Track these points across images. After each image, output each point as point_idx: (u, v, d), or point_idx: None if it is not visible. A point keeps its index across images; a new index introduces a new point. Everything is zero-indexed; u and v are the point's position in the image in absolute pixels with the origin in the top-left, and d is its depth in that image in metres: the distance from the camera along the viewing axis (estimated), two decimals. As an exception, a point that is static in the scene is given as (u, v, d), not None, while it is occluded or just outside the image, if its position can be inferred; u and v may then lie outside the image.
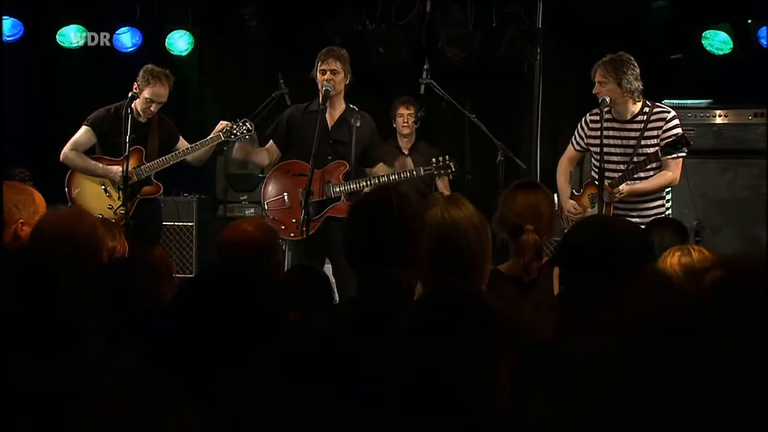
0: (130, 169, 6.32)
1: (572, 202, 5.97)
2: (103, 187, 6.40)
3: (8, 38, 8.01)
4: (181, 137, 6.61)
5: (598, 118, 5.78)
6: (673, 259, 3.25)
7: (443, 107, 7.25)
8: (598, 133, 5.70)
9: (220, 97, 8.80)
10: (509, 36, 7.99)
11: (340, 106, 6.23)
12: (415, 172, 6.30)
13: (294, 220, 6.06)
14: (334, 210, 6.08)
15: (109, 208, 6.26)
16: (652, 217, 5.46)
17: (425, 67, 6.85)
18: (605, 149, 5.67)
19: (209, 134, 6.49)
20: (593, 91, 5.72)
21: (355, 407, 1.77)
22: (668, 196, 5.82)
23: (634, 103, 5.70)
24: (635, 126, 5.70)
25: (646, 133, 5.64)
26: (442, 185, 7.49)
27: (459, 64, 8.01)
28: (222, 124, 6.43)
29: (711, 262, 2.67)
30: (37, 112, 8.48)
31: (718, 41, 7.65)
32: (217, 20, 8.45)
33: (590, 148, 5.87)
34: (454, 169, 6.29)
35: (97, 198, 6.38)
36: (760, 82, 6.75)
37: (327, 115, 6.16)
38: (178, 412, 1.87)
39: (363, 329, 2.41)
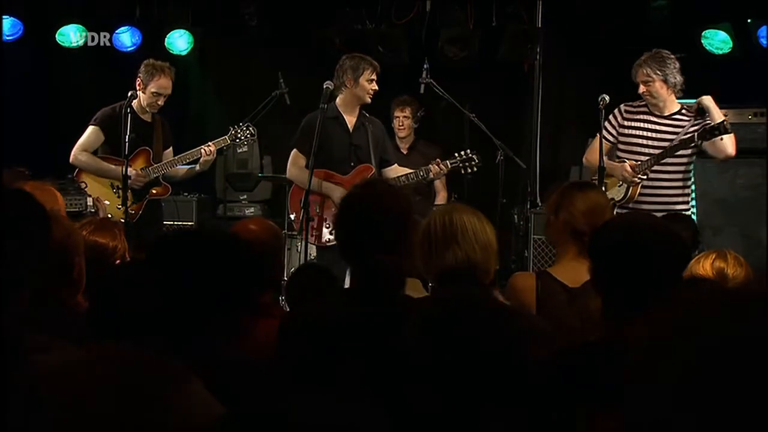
0: (139, 170, 6.38)
1: (629, 163, 5.80)
2: (111, 186, 6.41)
3: (8, 38, 8.00)
4: (171, 147, 6.64)
5: (633, 109, 5.83)
6: (706, 262, 3.24)
7: (443, 107, 7.26)
8: (634, 124, 5.75)
9: (219, 97, 8.81)
10: (509, 36, 7.99)
11: (356, 112, 6.27)
12: (442, 167, 6.26)
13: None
14: None
15: (118, 208, 6.26)
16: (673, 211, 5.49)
17: (425, 66, 6.85)
18: (637, 140, 5.74)
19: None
20: (640, 92, 5.74)
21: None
22: (693, 201, 5.82)
23: (675, 97, 5.75)
24: (675, 123, 5.73)
25: (694, 122, 5.66)
26: (440, 184, 7.50)
27: (459, 63, 8.01)
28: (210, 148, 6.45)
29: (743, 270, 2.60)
30: (36, 112, 8.46)
31: (717, 41, 7.64)
32: (217, 20, 8.44)
33: (620, 138, 5.86)
34: (478, 161, 6.31)
35: (105, 197, 6.38)
36: (760, 82, 6.74)
37: (346, 120, 6.24)
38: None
39: (357, 318, 2.44)
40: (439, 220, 2.92)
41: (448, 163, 6.28)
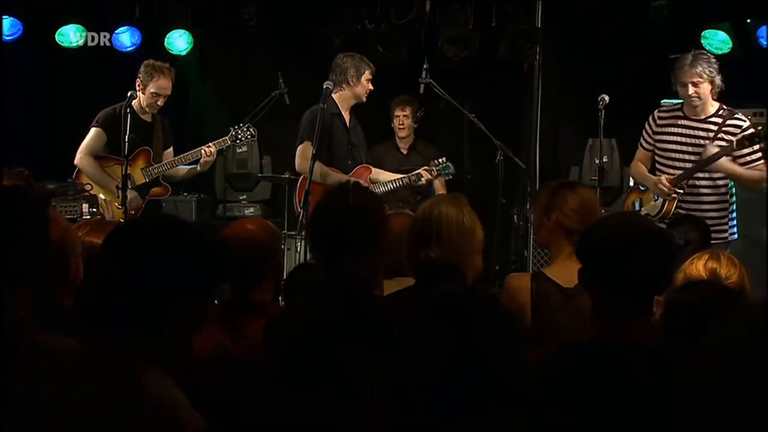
0: (139, 170, 6.40)
1: (665, 177, 5.72)
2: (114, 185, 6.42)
3: (7, 38, 7.98)
4: (171, 147, 6.66)
5: (666, 114, 5.75)
6: (699, 263, 3.24)
7: (443, 107, 7.26)
8: (669, 129, 5.67)
9: (219, 97, 8.81)
10: (509, 36, 7.99)
11: (349, 111, 6.48)
12: (431, 175, 6.65)
13: None
14: None
15: (118, 208, 6.27)
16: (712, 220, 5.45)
17: (425, 66, 6.87)
18: (673, 146, 5.67)
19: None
20: (690, 94, 5.59)
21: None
22: (734, 213, 5.75)
23: (713, 100, 5.65)
24: (709, 127, 5.62)
25: (719, 135, 5.56)
26: (439, 185, 7.51)
27: (459, 63, 8.01)
28: (211, 149, 6.46)
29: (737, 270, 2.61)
30: (36, 112, 8.46)
31: (717, 41, 7.64)
32: (217, 20, 8.44)
33: (657, 144, 5.78)
34: (453, 170, 6.69)
35: (107, 197, 6.38)
36: (760, 82, 6.74)
37: (345, 119, 6.36)
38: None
39: (325, 322, 2.43)
40: (419, 216, 2.99)
41: (434, 171, 6.65)
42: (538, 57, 8.14)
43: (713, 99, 5.66)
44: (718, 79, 5.59)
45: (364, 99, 6.46)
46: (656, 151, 5.81)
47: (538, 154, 8.17)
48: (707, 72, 5.56)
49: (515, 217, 7.57)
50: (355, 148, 6.46)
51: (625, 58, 7.90)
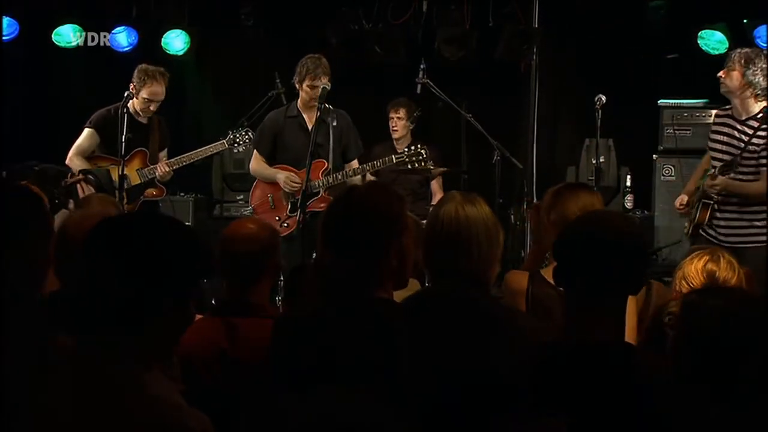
0: (134, 170, 6.40)
1: (682, 197, 5.63)
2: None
3: (4, 38, 7.97)
4: (166, 149, 6.67)
5: (722, 113, 5.60)
6: (699, 263, 3.20)
7: (440, 107, 7.27)
8: (723, 129, 5.51)
9: (216, 97, 8.81)
10: (506, 36, 7.99)
11: (314, 110, 6.26)
12: (387, 160, 6.48)
13: (277, 218, 6.36)
14: (314, 204, 6.18)
15: (114, 209, 6.27)
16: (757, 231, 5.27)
17: (422, 66, 6.87)
18: (718, 146, 5.50)
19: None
20: (718, 75, 5.45)
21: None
22: None
23: (756, 102, 5.42)
24: (746, 129, 5.43)
25: (758, 133, 5.36)
26: (437, 185, 7.51)
27: (456, 63, 8.01)
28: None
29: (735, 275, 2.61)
30: (33, 112, 8.46)
31: (714, 41, 7.65)
32: (214, 19, 8.44)
33: (710, 145, 5.60)
34: (425, 155, 6.38)
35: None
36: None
37: (305, 119, 6.35)
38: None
39: (329, 323, 2.41)
40: (446, 223, 2.86)
41: (393, 158, 6.49)
42: (535, 57, 8.14)
43: (757, 97, 5.41)
44: (752, 76, 5.34)
45: (313, 104, 6.21)
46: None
47: (535, 154, 8.17)
48: (741, 62, 5.35)
49: (512, 217, 7.58)
50: (321, 148, 6.23)
51: (623, 58, 7.92)
